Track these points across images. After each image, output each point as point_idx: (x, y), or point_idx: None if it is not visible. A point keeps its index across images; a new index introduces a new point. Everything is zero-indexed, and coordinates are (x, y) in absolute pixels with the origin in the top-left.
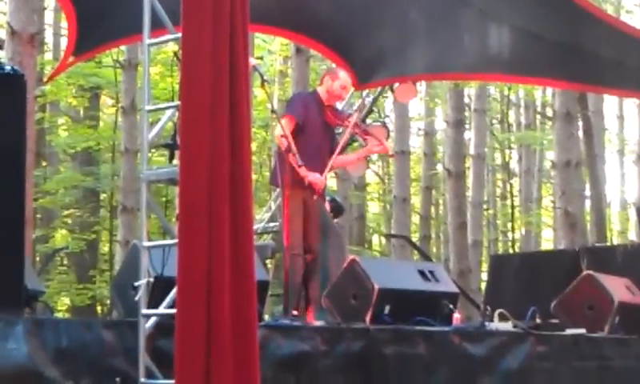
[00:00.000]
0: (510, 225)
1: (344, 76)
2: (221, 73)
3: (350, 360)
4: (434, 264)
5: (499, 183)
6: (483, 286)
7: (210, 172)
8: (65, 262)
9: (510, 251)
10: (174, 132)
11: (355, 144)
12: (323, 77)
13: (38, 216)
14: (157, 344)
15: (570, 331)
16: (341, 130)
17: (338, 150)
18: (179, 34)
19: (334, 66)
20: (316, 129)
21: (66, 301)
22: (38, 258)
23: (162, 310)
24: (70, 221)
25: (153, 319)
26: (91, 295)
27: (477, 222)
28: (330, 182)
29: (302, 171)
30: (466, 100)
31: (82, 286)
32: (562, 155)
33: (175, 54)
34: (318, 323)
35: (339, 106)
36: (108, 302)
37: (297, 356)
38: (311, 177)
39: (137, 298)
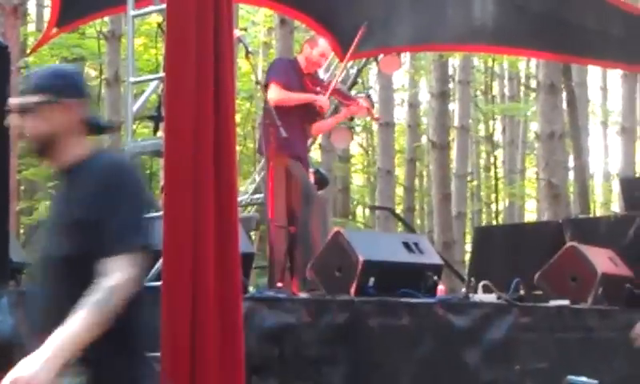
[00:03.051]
0: (493, 196)
1: (323, 43)
2: (205, 44)
3: (334, 332)
4: (419, 236)
5: (483, 155)
6: (467, 257)
7: (194, 144)
8: None
9: (494, 223)
10: (158, 104)
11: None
12: (303, 45)
13: (22, 188)
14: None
15: (553, 303)
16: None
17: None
18: (164, 6)
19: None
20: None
21: None
22: (22, 231)
23: (146, 283)
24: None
25: None
26: None
27: (461, 193)
28: (314, 153)
29: (310, 96)
30: (450, 71)
31: None
32: (545, 126)
33: (159, 25)
34: (303, 295)
35: (322, 74)
36: None
37: (281, 328)
38: (319, 98)
39: None
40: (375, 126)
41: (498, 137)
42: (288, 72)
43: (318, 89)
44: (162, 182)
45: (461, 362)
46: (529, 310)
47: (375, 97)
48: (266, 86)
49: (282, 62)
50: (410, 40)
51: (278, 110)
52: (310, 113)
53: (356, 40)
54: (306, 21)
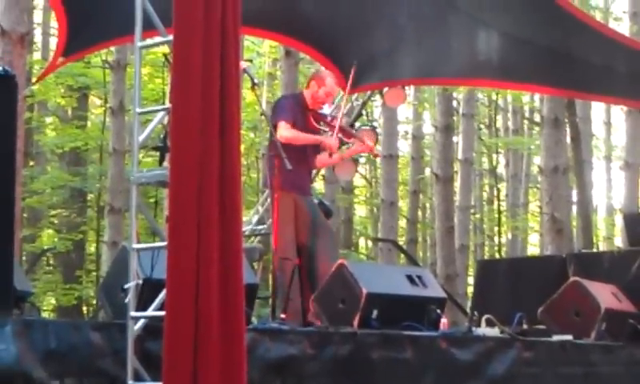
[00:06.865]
0: (496, 229)
1: (330, 82)
2: (211, 76)
3: (337, 364)
4: (422, 269)
5: (486, 188)
6: (469, 290)
7: (199, 175)
8: (51, 261)
9: (497, 256)
10: (164, 135)
11: (344, 147)
12: (310, 80)
13: (25, 216)
14: (145, 346)
15: (556, 337)
16: (327, 130)
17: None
18: (171, 37)
19: (322, 68)
20: (300, 131)
21: (52, 301)
22: (24, 258)
23: (150, 312)
24: (56, 221)
25: (141, 321)
26: (77, 295)
27: (464, 226)
28: (318, 184)
29: (319, 137)
30: (455, 104)
31: (68, 286)
32: (549, 161)
33: (165, 56)
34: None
35: (327, 109)
36: (94, 302)
37: (284, 359)
38: (327, 139)
39: (126, 301)
40: (379, 156)
41: (501, 170)
42: (293, 109)
43: (322, 124)
44: (166, 212)
45: None
46: (532, 344)
47: (379, 129)
48: (274, 126)
49: (286, 100)
50: (414, 73)
51: (284, 143)
52: (315, 146)
53: (350, 79)
54: (310, 53)
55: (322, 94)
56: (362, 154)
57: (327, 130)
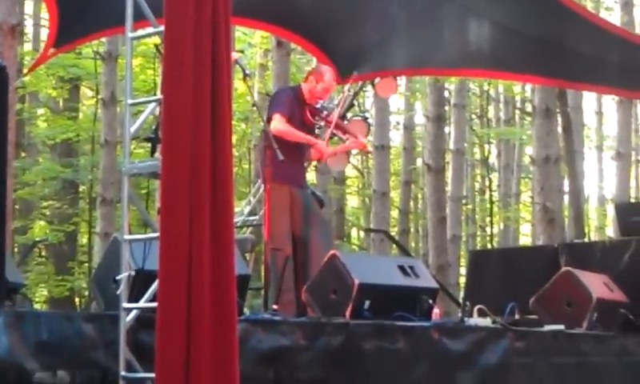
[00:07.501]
0: (488, 220)
1: (328, 78)
2: (203, 67)
3: (329, 355)
4: (414, 259)
5: (478, 178)
6: (461, 280)
7: (191, 166)
8: (43, 253)
9: (489, 246)
10: (155, 126)
11: (335, 138)
12: (309, 75)
13: (17, 207)
14: (137, 337)
15: (548, 327)
16: (323, 125)
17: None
18: (162, 28)
19: (321, 65)
20: (296, 125)
21: (44, 292)
22: (16, 250)
23: (142, 303)
24: (48, 212)
25: (134, 313)
26: (69, 287)
27: (456, 216)
28: (310, 175)
29: (312, 139)
30: (446, 95)
31: (61, 277)
32: (541, 151)
33: (157, 46)
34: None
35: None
36: (86, 293)
37: (276, 350)
38: (320, 143)
39: (118, 292)
40: (370, 148)
41: (493, 160)
42: (291, 103)
43: (317, 119)
44: (158, 203)
45: None
46: (524, 334)
47: (371, 119)
48: (269, 118)
49: (285, 93)
50: (406, 64)
51: (277, 135)
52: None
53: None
54: (302, 44)
55: (319, 89)
56: None
57: (323, 124)
